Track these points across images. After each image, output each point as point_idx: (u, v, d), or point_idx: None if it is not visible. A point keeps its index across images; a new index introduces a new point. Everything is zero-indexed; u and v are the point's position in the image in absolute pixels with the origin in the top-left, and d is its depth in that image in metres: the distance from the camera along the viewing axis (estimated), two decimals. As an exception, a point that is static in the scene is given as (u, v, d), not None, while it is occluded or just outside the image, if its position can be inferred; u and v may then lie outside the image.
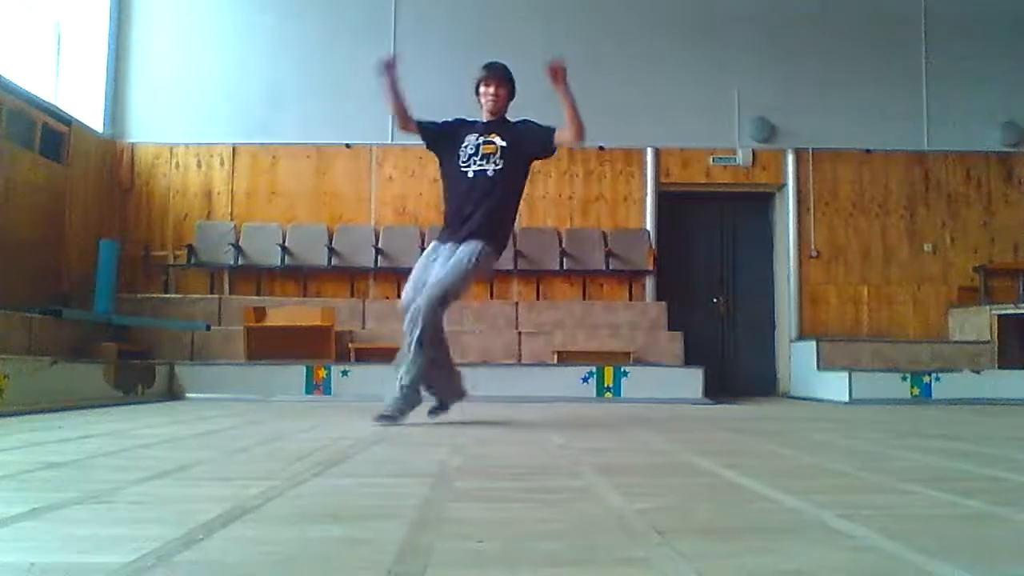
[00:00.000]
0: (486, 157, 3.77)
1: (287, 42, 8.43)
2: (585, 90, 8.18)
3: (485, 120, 3.90)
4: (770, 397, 8.01)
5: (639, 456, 2.58)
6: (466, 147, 3.80)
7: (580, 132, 3.66)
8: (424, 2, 8.47)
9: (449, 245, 3.75)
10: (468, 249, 3.67)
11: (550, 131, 3.79)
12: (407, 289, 3.72)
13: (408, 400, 3.62)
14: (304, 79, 8.35)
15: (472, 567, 1.10)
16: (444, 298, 3.60)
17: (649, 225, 8.29)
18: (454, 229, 3.76)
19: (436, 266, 3.69)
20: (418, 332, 3.55)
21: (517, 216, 4.07)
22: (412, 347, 3.57)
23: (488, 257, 3.73)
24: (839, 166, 8.45)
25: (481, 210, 3.73)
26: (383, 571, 1.06)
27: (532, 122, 3.86)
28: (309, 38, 8.43)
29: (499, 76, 3.84)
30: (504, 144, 3.78)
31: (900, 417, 4.87)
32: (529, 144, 3.83)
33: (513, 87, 3.89)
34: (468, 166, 3.78)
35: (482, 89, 3.86)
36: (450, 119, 3.98)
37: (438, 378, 3.76)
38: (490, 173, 3.75)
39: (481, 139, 3.80)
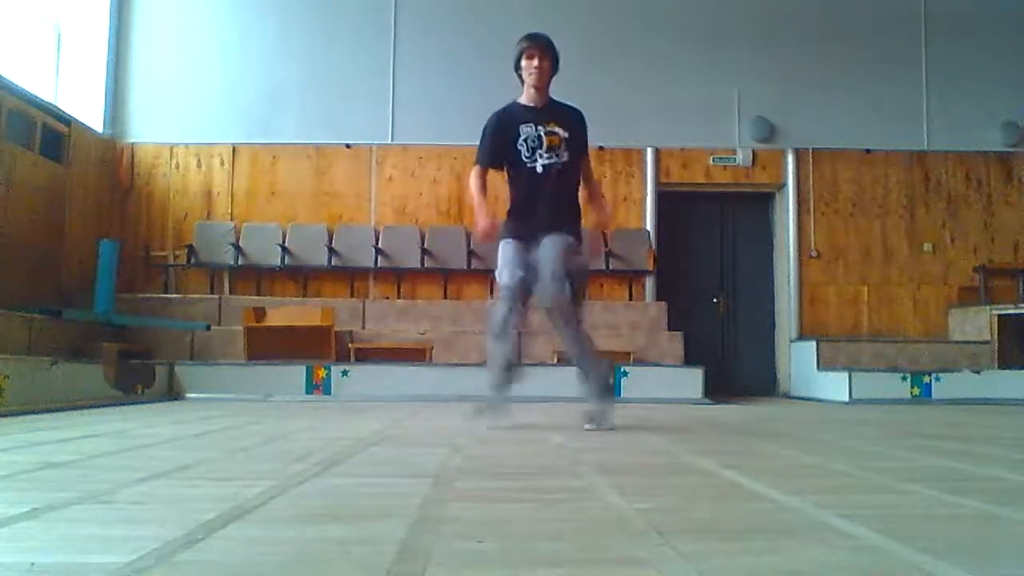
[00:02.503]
0: (552, 150, 3.56)
1: (287, 42, 8.43)
2: (585, 90, 8.24)
3: (532, 99, 3.64)
4: (770, 397, 8.01)
5: (639, 456, 2.58)
6: (527, 139, 3.56)
7: (600, 204, 3.75)
8: (425, 2, 8.47)
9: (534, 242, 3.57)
10: (556, 239, 3.52)
11: (585, 152, 3.73)
12: (510, 271, 3.52)
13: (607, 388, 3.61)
14: (304, 79, 8.36)
15: (472, 567, 1.10)
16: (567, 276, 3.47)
17: (649, 225, 8.29)
18: (532, 227, 3.55)
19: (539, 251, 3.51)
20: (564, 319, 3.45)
21: None
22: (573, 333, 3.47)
23: (578, 249, 3.61)
24: (839, 166, 8.45)
25: (562, 208, 3.60)
26: (383, 571, 1.06)
27: (585, 125, 3.70)
28: (309, 38, 8.43)
29: (543, 46, 3.60)
30: (567, 136, 3.60)
31: (900, 417, 4.87)
32: (581, 142, 3.69)
33: (557, 58, 3.64)
34: (535, 160, 3.57)
35: (524, 62, 3.60)
36: (491, 123, 3.69)
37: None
38: (559, 167, 3.58)
39: (542, 129, 3.57)
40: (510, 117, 3.65)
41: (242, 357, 6.75)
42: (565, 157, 3.60)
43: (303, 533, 1.30)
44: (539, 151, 3.57)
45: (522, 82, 3.67)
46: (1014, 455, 2.69)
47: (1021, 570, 1.14)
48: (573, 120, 3.68)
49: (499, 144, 3.63)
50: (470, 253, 8.02)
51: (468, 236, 7.99)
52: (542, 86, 3.63)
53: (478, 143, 3.74)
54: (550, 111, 3.65)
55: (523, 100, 3.69)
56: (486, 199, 3.64)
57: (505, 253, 3.58)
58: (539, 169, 3.56)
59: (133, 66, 8.32)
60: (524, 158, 3.57)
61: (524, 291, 3.54)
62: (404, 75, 8.36)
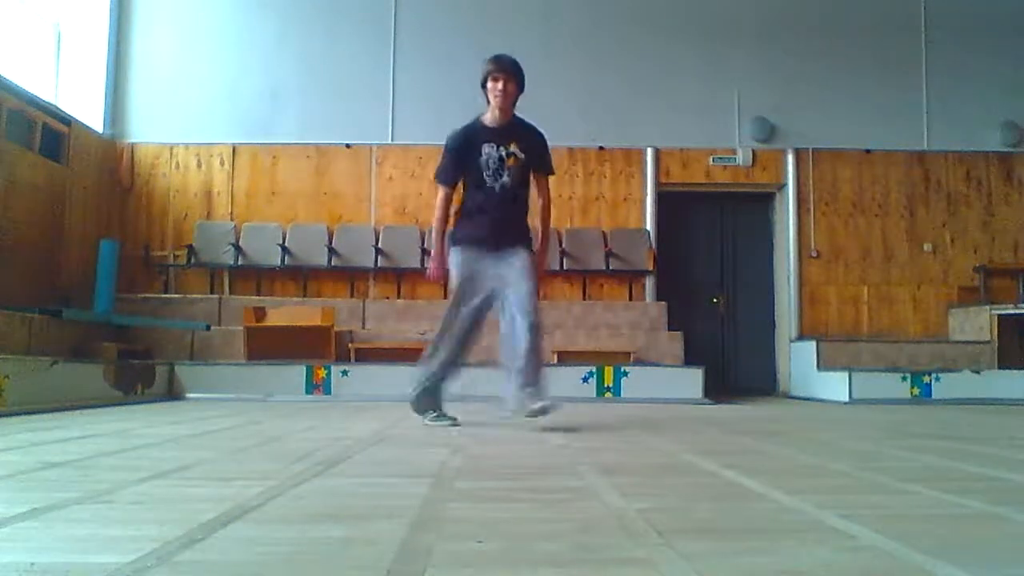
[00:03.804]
0: (510, 171, 3.70)
1: (287, 42, 8.43)
2: (585, 90, 8.26)
3: (495, 120, 3.75)
4: (770, 397, 8.01)
5: (639, 456, 2.58)
6: (487, 159, 3.69)
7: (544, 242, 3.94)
8: (425, 2, 8.47)
9: (492, 257, 3.72)
10: (522, 257, 3.73)
11: (549, 172, 3.90)
12: (472, 301, 3.72)
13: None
14: (304, 79, 8.35)
15: (472, 567, 1.10)
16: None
17: (649, 225, 8.29)
18: (491, 243, 3.72)
19: (504, 276, 3.69)
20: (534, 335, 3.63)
21: None
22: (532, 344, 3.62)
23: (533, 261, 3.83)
24: (839, 166, 8.45)
25: (515, 223, 3.77)
26: (383, 571, 1.06)
27: (546, 145, 3.85)
28: (309, 38, 8.43)
29: (508, 70, 3.68)
30: (524, 157, 3.73)
31: (900, 417, 4.87)
32: (536, 163, 3.83)
33: (522, 81, 3.73)
34: (495, 180, 3.70)
35: (490, 84, 3.69)
36: (454, 140, 3.80)
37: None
38: (516, 188, 3.74)
39: (503, 151, 3.70)
40: (473, 135, 3.76)
41: (242, 357, 6.74)
42: (521, 177, 3.75)
43: (303, 533, 1.30)
44: (499, 171, 3.71)
45: (487, 101, 3.76)
46: (1014, 455, 2.69)
47: (1021, 570, 1.14)
48: (533, 142, 3.80)
49: (462, 161, 3.76)
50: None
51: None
52: (506, 108, 3.73)
53: (440, 158, 3.89)
54: (511, 131, 3.75)
55: (487, 120, 3.79)
56: (445, 234, 3.85)
57: (460, 270, 3.74)
58: (497, 189, 3.71)
59: (133, 66, 8.32)
60: (485, 177, 3.71)
61: (483, 311, 3.78)
62: (404, 75, 8.36)
